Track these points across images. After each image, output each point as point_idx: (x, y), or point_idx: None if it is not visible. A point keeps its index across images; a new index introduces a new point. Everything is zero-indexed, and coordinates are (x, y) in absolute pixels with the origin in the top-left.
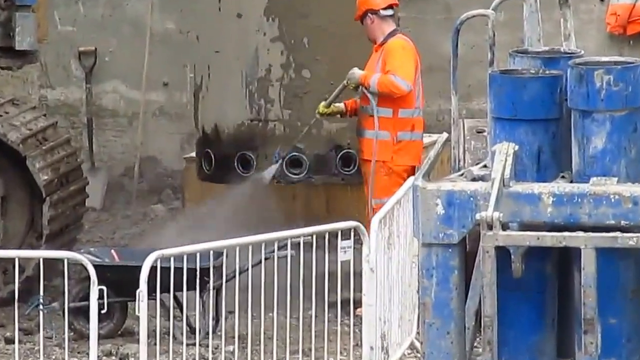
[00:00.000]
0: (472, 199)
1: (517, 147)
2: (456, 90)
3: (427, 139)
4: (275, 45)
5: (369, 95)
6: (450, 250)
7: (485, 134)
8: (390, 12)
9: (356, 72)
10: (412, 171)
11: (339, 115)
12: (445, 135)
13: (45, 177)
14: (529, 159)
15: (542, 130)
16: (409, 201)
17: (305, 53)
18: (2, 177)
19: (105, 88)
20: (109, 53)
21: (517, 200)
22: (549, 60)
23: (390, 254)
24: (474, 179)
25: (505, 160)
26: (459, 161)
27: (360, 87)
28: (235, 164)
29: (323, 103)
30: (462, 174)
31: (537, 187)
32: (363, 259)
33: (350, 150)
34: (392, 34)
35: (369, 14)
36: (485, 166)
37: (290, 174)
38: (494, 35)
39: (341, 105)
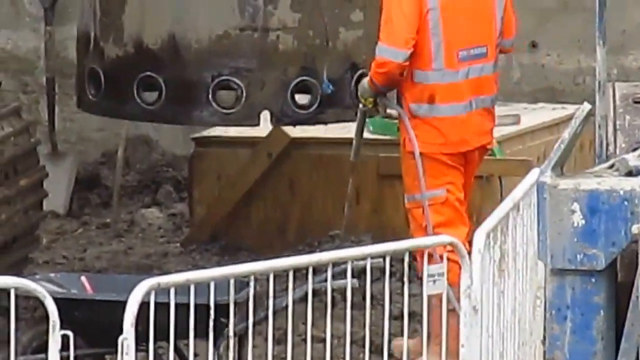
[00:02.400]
0: (627, 203)
1: None
2: (604, 40)
3: (559, 111)
4: None
5: (388, 103)
6: (593, 280)
7: None
8: None
9: (364, 80)
10: (465, 157)
11: None
12: (586, 106)
13: None
14: None
15: None
16: (532, 206)
17: None
18: None
19: (74, 32)
20: None
21: None
22: None
23: (502, 286)
24: (629, 173)
25: None
26: (607, 146)
27: (379, 98)
28: (210, 95)
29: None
30: (612, 166)
31: None
32: (462, 292)
33: (365, 70)
34: None
35: None
36: None
37: (296, 109)
38: None
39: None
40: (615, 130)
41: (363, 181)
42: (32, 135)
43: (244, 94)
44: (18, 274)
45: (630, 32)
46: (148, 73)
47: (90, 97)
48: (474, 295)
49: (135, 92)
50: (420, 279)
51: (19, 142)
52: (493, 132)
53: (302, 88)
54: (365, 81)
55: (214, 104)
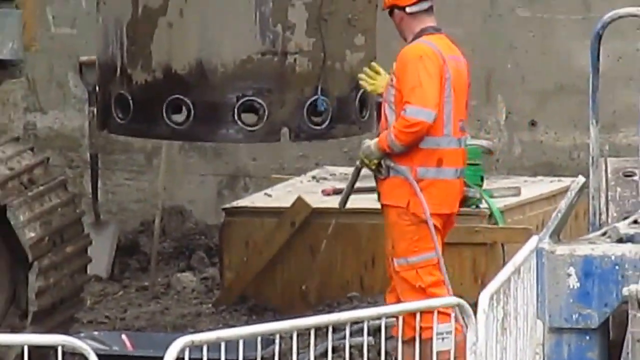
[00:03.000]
0: (617, 267)
1: None
2: (597, 119)
3: (556, 184)
4: None
5: (393, 166)
6: (587, 337)
7: (636, 177)
8: (422, 6)
9: (370, 143)
10: (447, 218)
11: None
12: (581, 179)
13: (32, 235)
14: None
15: None
16: (532, 270)
17: None
18: None
19: None
20: None
21: None
22: None
23: (504, 343)
24: (620, 240)
25: None
26: (600, 215)
27: (384, 160)
28: (235, 115)
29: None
30: (604, 233)
31: None
32: (468, 348)
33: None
34: (420, 35)
35: (396, 9)
36: (636, 222)
37: (311, 125)
38: None
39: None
40: (607, 201)
41: (378, 246)
42: (77, 206)
43: (266, 113)
44: (64, 332)
45: (620, 112)
46: (177, 96)
47: (118, 120)
48: (479, 351)
49: (164, 113)
50: (404, 342)
51: (66, 213)
52: None
53: (316, 106)
54: (371, 144)
55: (238, 122)
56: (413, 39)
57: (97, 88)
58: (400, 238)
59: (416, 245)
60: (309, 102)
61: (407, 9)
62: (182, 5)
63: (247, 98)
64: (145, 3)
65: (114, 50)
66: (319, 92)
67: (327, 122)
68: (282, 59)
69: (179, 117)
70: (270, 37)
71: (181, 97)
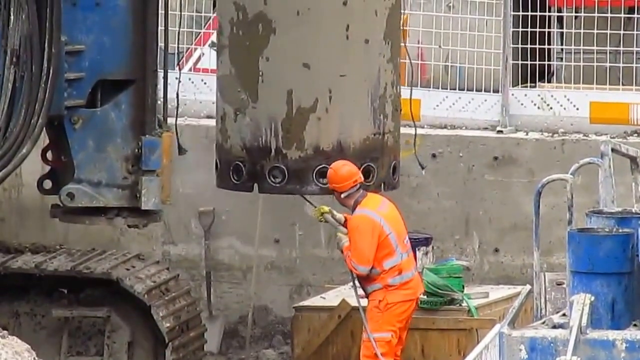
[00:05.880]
0: (552, 344)
1: (593, 298)
2: (538, 246)
3: (512, 290)
4: (388, 65)
5: (359, 289)
6: None
7: (564, 286)
8: (352, 189)
9: (343, 239)
10: (416, 301)
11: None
12: (528, 287)
13: (168, 325)
14: (604, 309)
15: (616, 283)
16: (496, 346)
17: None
18: (129, 324)
19: (222, 244)
20: (226, 212)
21: (593, 346)
22: (622, 220)
23: None
24: (554, 327)
25: (583, 309)
26: (540, 310)
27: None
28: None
29: (326, 209)
30: (543, 322)
31: (611, 334)
32: None
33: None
34: (357, 203)
35: (335, 191)
36: (564, 315)
37: (393, 178)
38: (572, 197)
39: (341, 217)
40: (545, 301)
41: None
42: (197, 306)
43: (376, 173)
44: None
45: (554, 242)
46: (323, 165)
47: (273, 184)
48: None
49: (313, 177)
50: None
51: (190, 310)
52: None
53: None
54: (344, 241)
55: (363, 179)
56: (353, 208)
57: (243, 165)
58: (371, 320)
59: (380, 325)
60: (392, 164)
61: (343, 195)
62: (327, 105)
63: (366, 164)
64: (299, 104)
65: (267, 138)
66: (399, 159)
67: (397, 176)
68: (382, 137)
69: (324, 179)
70: (378, 123)
71: (326, 165)
